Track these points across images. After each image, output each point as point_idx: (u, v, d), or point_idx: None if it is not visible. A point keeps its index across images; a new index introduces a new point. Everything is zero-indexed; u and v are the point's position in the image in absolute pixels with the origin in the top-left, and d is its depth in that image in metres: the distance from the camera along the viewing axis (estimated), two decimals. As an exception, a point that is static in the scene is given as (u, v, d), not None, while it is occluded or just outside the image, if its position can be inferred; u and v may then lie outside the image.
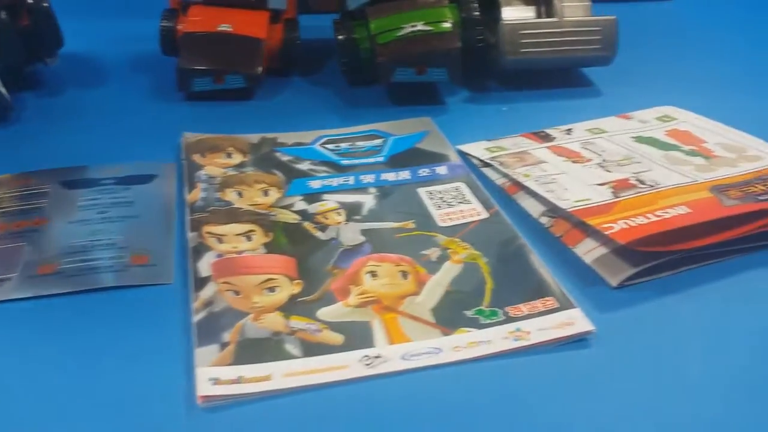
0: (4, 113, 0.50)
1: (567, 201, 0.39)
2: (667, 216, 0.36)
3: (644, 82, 0.58)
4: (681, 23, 0.72)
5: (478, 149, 0.47)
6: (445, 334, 0.32)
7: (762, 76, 0.59)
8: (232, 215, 0.40)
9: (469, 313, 0.33)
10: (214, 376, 0.30)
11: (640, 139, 0.47)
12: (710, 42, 0.66)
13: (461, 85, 0.55)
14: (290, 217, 0.40)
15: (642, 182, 0.41)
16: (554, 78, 0.56)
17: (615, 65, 0.55)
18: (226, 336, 0.32)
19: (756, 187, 0.39)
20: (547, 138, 0.48)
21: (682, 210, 0.37)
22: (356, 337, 0.32)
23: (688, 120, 0.50)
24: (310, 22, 0.60)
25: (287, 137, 0.48)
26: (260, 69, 0.52)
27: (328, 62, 0.61)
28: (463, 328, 0.32)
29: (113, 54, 0.61)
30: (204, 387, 0.29)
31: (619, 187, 0.40)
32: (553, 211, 0.39)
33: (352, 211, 0.41)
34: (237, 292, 0.34)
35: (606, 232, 0.36)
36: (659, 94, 0.54)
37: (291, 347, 0.31)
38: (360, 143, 0.48)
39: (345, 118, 0.52)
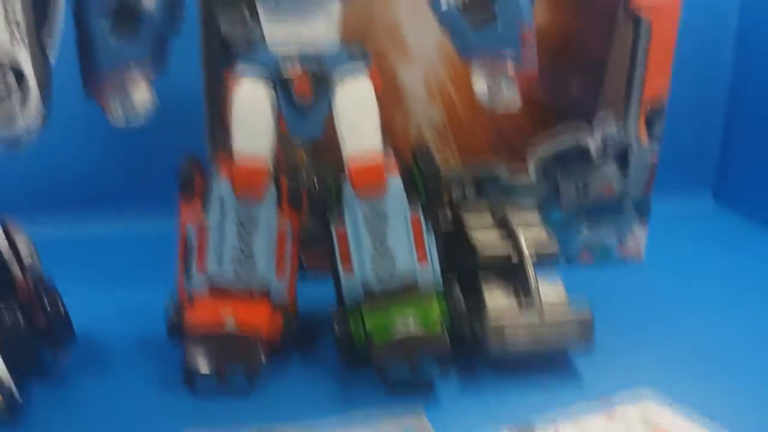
0: (12, 411, 0.51)
1: None
2: None
3: (623, 361, 0.61)
4: (653, 287, 0.76)
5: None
6: None
7: (743, 354, 0.62)
8: None
9: None
10: None
11: (623, 450, 0.49)
12: (684, 310, 0.70)
13: (451, 368, 0.58)
14: None
15: None
16: (539, 359, 0.59)
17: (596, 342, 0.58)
18: None
19: None
20: (534, 441, 0.50)
21: None
22: None
23: (665, 421, 0.52)
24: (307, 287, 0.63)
25: (285, 441, 0.50)
26: (260, 367, 0.55)
27: (324, 335, 0.64)
28: None
29: (119, 331, 0.64)
30: None
31: None
32: None
33: None
34: None
35: None
36: (639, 374, 0.57)
37: None
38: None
39: (340, 403, 0.56)
